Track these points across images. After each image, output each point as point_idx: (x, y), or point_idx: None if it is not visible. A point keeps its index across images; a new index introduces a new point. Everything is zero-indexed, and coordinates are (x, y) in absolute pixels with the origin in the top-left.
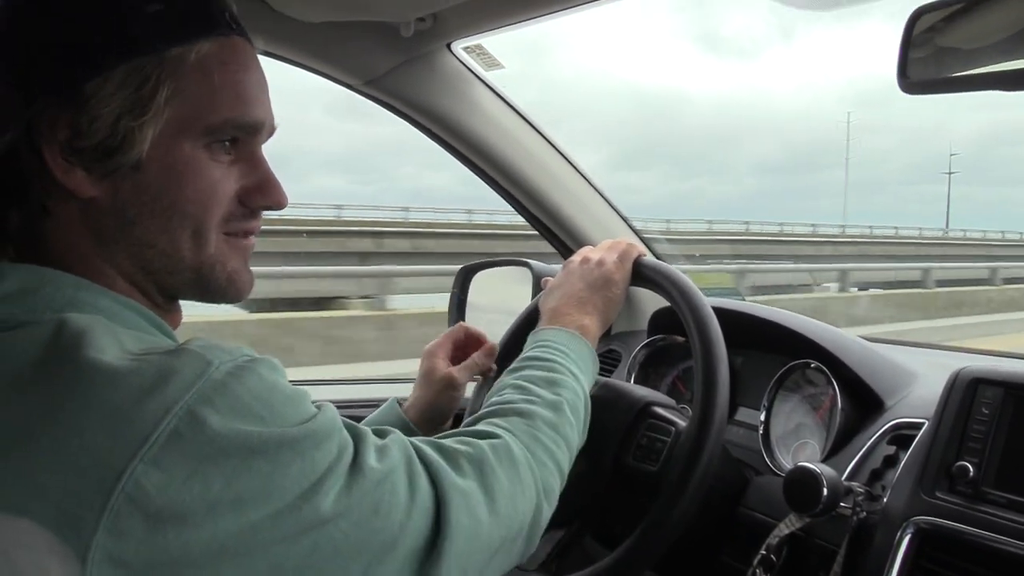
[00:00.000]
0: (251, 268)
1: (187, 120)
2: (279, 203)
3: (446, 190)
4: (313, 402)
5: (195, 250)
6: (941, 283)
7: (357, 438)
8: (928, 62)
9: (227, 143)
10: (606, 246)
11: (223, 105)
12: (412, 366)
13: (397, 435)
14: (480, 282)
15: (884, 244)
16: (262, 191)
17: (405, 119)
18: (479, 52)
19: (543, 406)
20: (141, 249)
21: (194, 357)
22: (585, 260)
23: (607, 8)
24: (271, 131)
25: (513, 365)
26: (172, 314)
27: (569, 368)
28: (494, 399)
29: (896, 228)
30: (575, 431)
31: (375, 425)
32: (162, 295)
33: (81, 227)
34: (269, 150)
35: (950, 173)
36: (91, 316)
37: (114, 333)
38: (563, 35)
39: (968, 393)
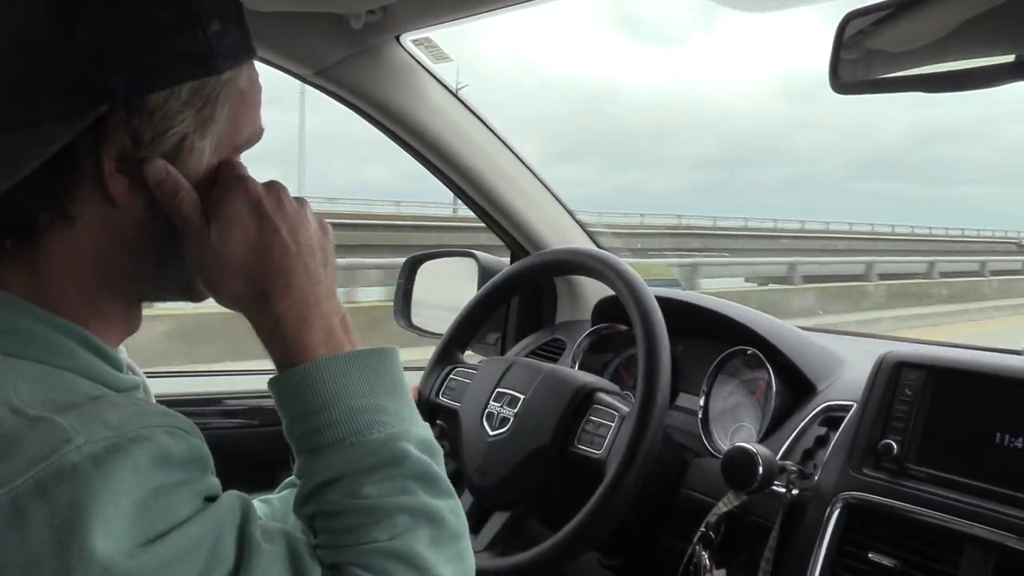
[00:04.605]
0: None
1: (226, 139)
2: None
3: (381, 184)
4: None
5: None
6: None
7: (242, 551)
8: (858, 64)
9: None
10: None
11: (250, 124)
12: None
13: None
14: (426, 273)
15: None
16: None
17: (354, 110)
18: (428, 45)
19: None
20: (155, 254)
21: (54, 430)
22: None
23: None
24: None
25: None
26: (134, 318)
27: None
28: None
29: (851, 224)
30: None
31: None
32: (141, 298)
33: (100, 232)
34: None
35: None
36: None
37: (11, 376)
38: (487, 23)
39: (892, 375)
